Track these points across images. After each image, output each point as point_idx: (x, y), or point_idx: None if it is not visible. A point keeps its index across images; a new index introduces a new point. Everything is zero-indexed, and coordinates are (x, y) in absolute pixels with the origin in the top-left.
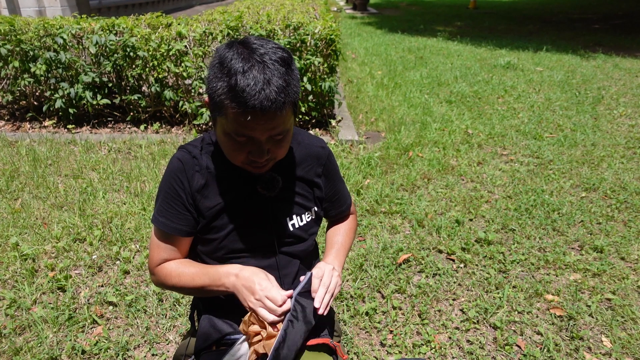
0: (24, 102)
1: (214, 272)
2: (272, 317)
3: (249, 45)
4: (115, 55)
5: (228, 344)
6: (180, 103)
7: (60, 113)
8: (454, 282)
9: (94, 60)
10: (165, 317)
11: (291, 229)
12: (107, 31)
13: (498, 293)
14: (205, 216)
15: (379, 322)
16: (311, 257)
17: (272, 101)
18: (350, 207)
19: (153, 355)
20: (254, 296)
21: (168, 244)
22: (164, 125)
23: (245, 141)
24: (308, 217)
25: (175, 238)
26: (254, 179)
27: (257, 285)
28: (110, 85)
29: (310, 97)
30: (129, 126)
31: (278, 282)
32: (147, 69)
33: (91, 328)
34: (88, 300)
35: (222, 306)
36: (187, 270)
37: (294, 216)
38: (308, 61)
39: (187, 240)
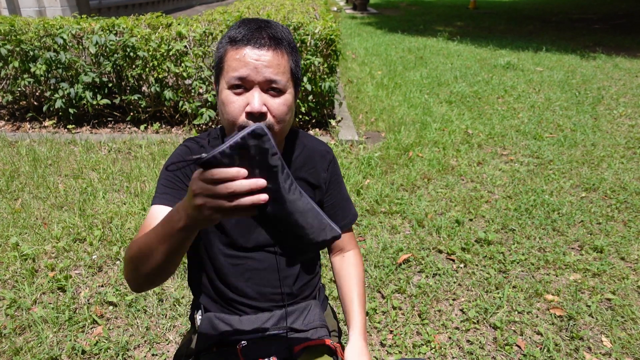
0: (24, 102)
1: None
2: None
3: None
4: (115, 55)
5: (229, 345)
6: (180, 103)
7: (60, 113)
8: (454, 282)
9: (94, 60)
10: (165, 317)
11: None
12: (107, 31)
13: (498, 293)
14: None
15: (379, 322)
16: (313, 263)
17: (269, 37)
18: (354, 220)
19: (153, 355)
20: (203, 194)
21: (158, 218)
22: (164, 126)
23: (242, 92)
24: None
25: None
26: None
27: (194, 185)
28: (110, 85)
29: (310, 97)
30: (129, 126)
31: (277, 284)
32: (147, 69)
33: (91, 328)
34: (88, 300)
35: (222, 302)
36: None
37: None
38: (308, 61)
39: None
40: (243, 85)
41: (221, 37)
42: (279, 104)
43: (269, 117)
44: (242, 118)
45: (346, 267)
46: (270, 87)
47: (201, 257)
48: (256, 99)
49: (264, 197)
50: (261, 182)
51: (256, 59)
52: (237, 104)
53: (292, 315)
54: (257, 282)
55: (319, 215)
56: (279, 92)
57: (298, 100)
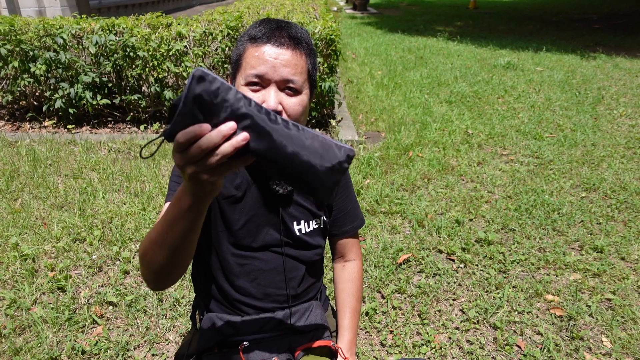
0: (24, 102)
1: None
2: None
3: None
4: (115, 55)
5: (230, 345)
6: None
7: (60, 113)
8: (454, 282)
9: (93, 60)
10: (165, 317)
11: (297, 233)
12: (107, 31)
13: (498, 293)
14: (219, 206)
15: (379, 322)
16: (317, 266)
17: (289, 37)
18: (361, 225)
19: (153, 355)
20: (187, 163)
21: None
22: (163, 126)
23: (258, 90)
24: (316, 225)
25: None
26: (269, 175)
27: (175, 158)
28: (110, 85)
29: None
30: (128, 126)
31: (283, 285)
32: (147, 69)
33: (91, 328)
34: (88, 300)
35: (225, 302)
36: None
37: (302, 221)
38: None
39: None
40: (260, 83)
41: (240, 35)
42: (294, 104)
43: (284, 116)
44: None
45: (344, 282)
46: (286, 87)
47: (207, 256)
48: (272, 97)
49: (242, 136)
50: (229, 125)
51: (275, 57)
52: None
53: (294, 316)
54: (262, 283)
55: (317, 137)
56: (295, 92)
57: None
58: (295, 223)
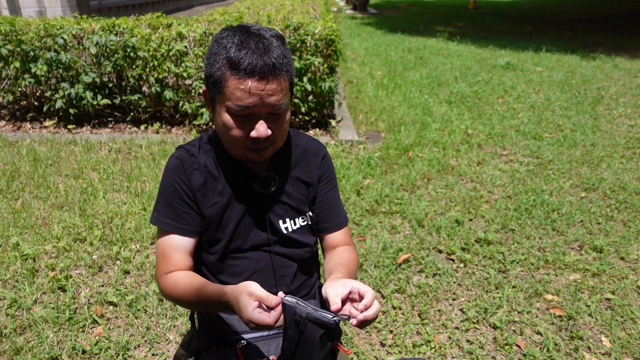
0: (25, 102)
1: (217, 289)
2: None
3: (243, 25)
4: (116, 55)
5: (228, 344)
6: (181, 103)
7: (60, 113)
8: (454, 282)
9: (94, 60)
10: (166, 317)
11: (284, 232)
12: (108, 31)
13: (498, 293)
14: (204, 215)
15: (379, 322)
16: (311, 264)
17: (272, 66)
18: (346, 223)
19: (153, 355)
20: (245, 314)
21: (175, 248)
22: (164, 126)
23: (245, 117)
24: (302, 222)
25: (183, 240)
26: (251, 177)
27: (253, 321)
28: (110, 85)
29: (310, 97)
30: (129, 126)
31: (274, 283)
32: (147, 69)
33: (91, 328)
34: (88, 300)
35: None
36: (193, 281)
37: (287, 219)
38: (308, 61)
39: (194, 242)
40: (246, 113)
41: (215, 47)
42: (281, 123)
43: (272, 136)
44: (244, 143)
45: (337, 251)
46: (273, 112)
47: (199, 260)
48: (262, 127)
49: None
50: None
51: (262, 90)
52: (241, 129)
53: None
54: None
55: None
56: (280, 113)
57: (298, 100)
58: (281, 222)
